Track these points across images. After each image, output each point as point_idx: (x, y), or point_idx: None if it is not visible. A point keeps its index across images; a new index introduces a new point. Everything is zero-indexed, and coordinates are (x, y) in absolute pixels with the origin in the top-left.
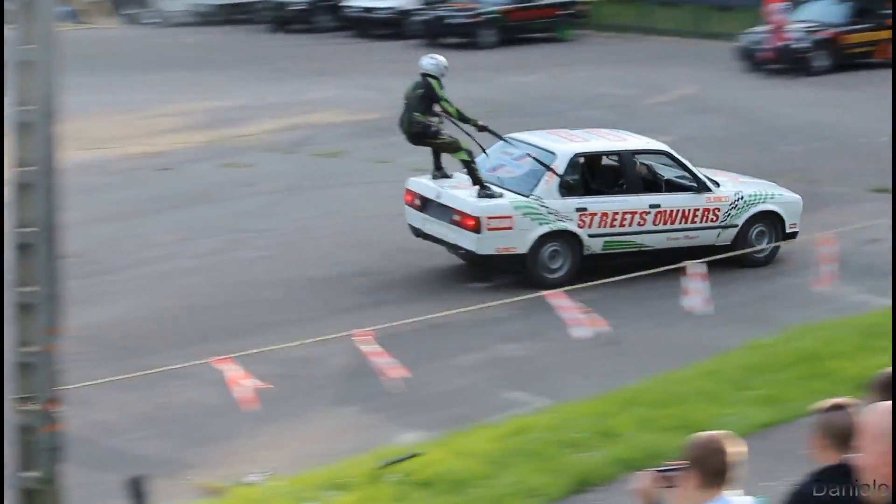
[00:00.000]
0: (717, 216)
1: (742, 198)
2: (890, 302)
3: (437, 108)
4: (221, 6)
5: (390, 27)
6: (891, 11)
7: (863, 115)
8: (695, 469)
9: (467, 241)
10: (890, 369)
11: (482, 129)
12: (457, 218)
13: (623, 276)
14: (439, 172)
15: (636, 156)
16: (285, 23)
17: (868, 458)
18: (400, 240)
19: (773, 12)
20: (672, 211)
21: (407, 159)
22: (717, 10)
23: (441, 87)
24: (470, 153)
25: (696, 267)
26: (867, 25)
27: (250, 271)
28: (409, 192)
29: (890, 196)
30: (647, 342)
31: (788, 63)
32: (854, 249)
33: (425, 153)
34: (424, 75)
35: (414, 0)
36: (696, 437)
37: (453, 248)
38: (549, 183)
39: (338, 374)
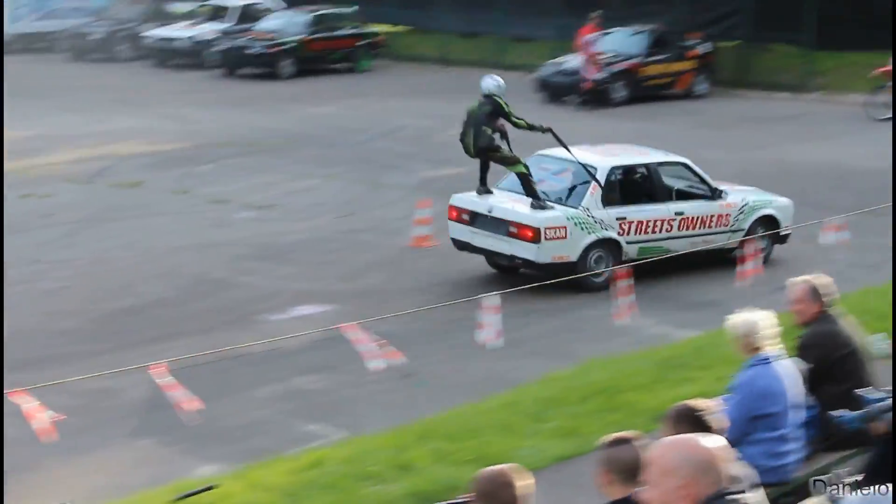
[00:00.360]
0: (729, 221)
1: (747, 203)
2: (689, 333)
3: (499, 125)
4: (20, 35)
5: (190, 57)
6: (691, 44)
7: (663, 146)
8: (485, 501)
9: (525, 251)
10: (685, 402)
11: (547, 130)
12: (514, 230)
13: (420, 308)
14: (483, 188)
15: (661, 167)
16: (85, 52)
17: (656, 493)
18: (198, 271)
19: (586, 43)
20: (693, 217)
21: (206, 190)
22: (516, 41)
23: (507, 104)
24: (527, 166)
25: (490, 299)
26: (665, 57)
27: (49, 302)
28: (454, 208)
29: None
30: (445, 375)
31: (588, 94)
32: (654, 281)
33: (224, 184)
34: (488, 96)
35: (213, 30)
36: (483, 472)
37: (508, 258)
38: (594, 194)
39: (136, 406)
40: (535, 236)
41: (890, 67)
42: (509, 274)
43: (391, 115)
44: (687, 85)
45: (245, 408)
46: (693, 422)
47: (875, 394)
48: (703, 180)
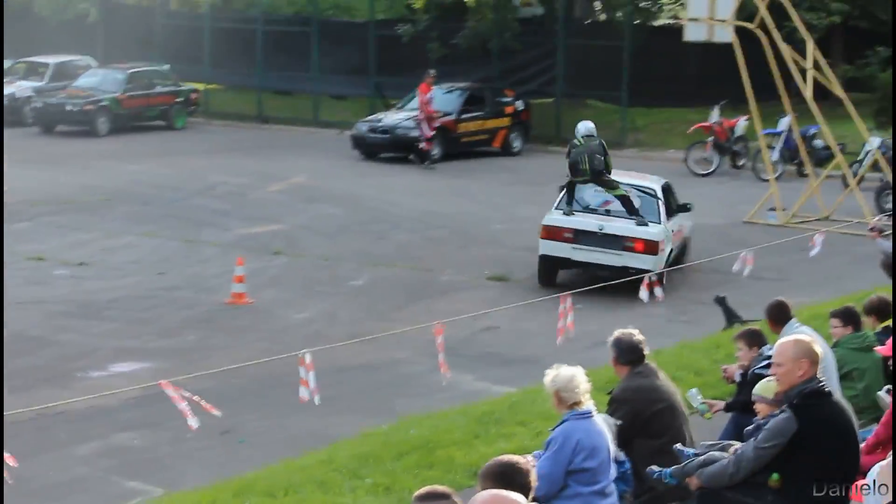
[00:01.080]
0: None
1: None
2: (506, 389)
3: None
4: None
5: (6, 115)
6: (507, 101)
7: (478, 203)
8: None
9: (642, 262)
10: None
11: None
12: (630, 244)
13: (238, 365)
14: (569, 209)
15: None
16: None
17: None
18: (16, 329)
19: (425, 101)
20: (677, 230)
21: (22, 247)
22: (332, 99)
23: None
24: (627, 190)
25: (308, 356)
26: (480, 114)
27: None
28: (551, 227)
29: (506, 283)
30: (263, 431)
31: (402, 151)
32: (471, 337)
33: (41, 242)
34: (589, 136)
35: (29, 87)
36: None
37: (618, 269)
38: (662, 211)
39: None
40: (654, 248)
41: (708, 123)
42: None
43: (207, 173)
44: (502, 141)
45: (65, 465)
46: (503, 478)
47: (691, 448)
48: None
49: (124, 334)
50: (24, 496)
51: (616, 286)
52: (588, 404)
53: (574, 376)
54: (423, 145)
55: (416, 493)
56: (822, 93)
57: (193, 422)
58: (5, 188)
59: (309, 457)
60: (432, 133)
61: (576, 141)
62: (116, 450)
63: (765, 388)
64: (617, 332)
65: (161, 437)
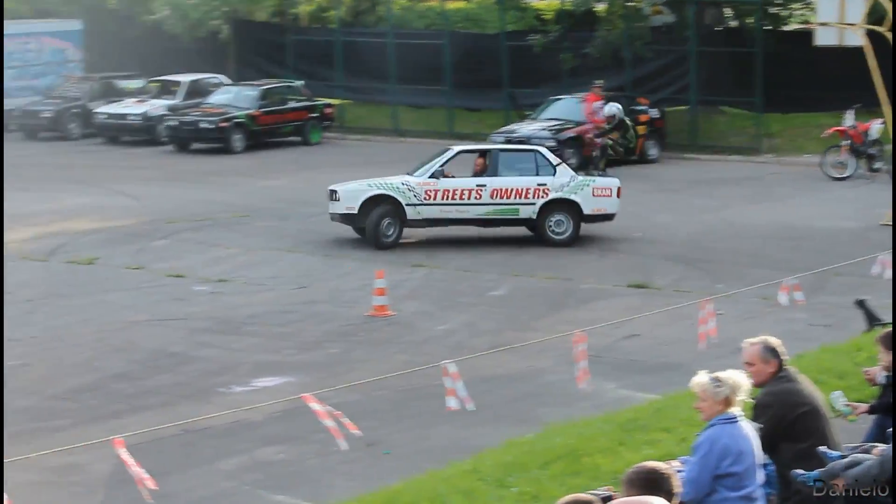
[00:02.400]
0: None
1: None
2: (649, 396)
3: None
4: None
5: (141, 133)
6: (642, 109)
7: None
8: None
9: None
10: (641, 465)
11: None
12: None
13: (381, 377)
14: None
15: None
16: (36, 131)
17: None
18: (157, 346)
19: (593, 112)
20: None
21: (161, 265)
22: (466, 111)
23: None
24: None
25: (452, 366)
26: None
27: (7, 380)
28: None
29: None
30: (407, 443)
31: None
32: (612, 345)
33: (179, 259)
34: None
35: (163, 106)
36: None
37: None
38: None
39: (100, 481)
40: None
41: (843, 127)
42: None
43: None
44: (639, 149)
45: (210, 480)
46: (648, 484)
47: (836, 451)
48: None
49: (265, 349)
50: None
51: (756, 291)
52: (734, 409)
53: (724, 380)
54: (593, 153)
55: (559, 501)
56: None
57: (343, 444)
58: (140, 204)
59: (454, 467)
60: (600, 142)
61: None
62: (262, 464)
63: None
64: (760, 338)
65: (306, 450)
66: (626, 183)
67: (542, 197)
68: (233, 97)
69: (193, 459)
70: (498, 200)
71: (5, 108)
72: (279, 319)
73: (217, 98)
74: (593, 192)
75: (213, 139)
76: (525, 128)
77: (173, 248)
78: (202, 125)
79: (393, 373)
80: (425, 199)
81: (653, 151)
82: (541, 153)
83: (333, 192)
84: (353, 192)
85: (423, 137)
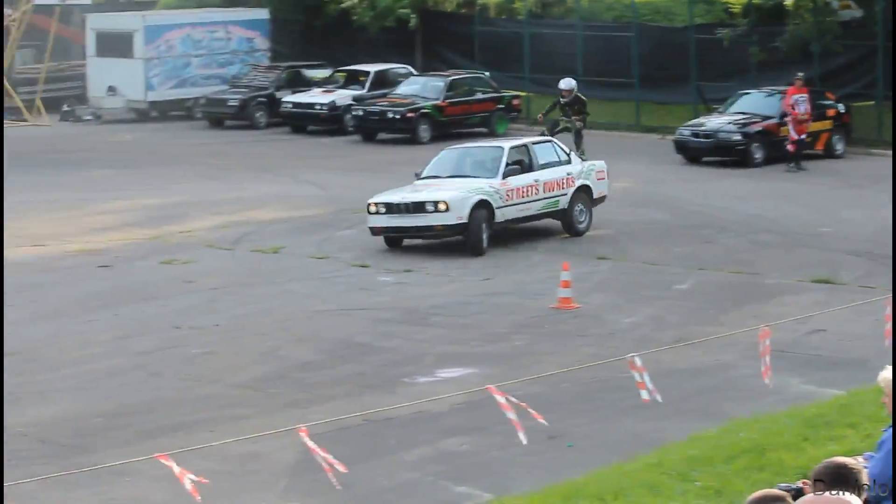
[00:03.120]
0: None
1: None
2: (834, 391)
3: None
4: (158, 103)
5: (326, 123)
6: (829, 104)
7: (802, 206)
8: None
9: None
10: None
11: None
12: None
13: (565, 369)
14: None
15: None
16: (221, 119)
17: None
18: (342, 335)
19: (793, 104)
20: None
21: (346, 254)
22: (653, 104)
23: None
24: None
25: (638, 360)
26: None
27: (192, 368)
28: None
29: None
30: (591, 436)
31: (727, 155)
32: (798, 340)
33: (364, 249)
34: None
35: (349, 96)
36: None
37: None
38: None
39: (282, 469)
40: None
41: None
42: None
43: None
44: (825, 144)
45: (394, 470)
46: (837, 479)
47: None
48: None
49: (450, 340)
50: (354, 500)
51: None
52: None
53: None
54: (788, 146)
55: (750, 497)
56: None
57: (523, 437)
58: (325, 193)
59: (638, 460)
60: (799, 137)
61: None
62: (445, 455)
63: None
64: None
65: (489, 442)
66: (811, 178)
67: (570, 186)
68: (419, 87)
69: (376, 450)
70: (548, 194)
71: (191, 96)
72: (464, 311)
73: (404, 88)
74: (596, 176)
75: (400, 129)
76: (713, 121)
77: (358, 237)
78: (389, 115)
79: (578, 365)
80: (506, 200)
81: (839, 147)
82: (555, 142)
83: (422, 204)
84: (460, 200)
85: (610, 130)
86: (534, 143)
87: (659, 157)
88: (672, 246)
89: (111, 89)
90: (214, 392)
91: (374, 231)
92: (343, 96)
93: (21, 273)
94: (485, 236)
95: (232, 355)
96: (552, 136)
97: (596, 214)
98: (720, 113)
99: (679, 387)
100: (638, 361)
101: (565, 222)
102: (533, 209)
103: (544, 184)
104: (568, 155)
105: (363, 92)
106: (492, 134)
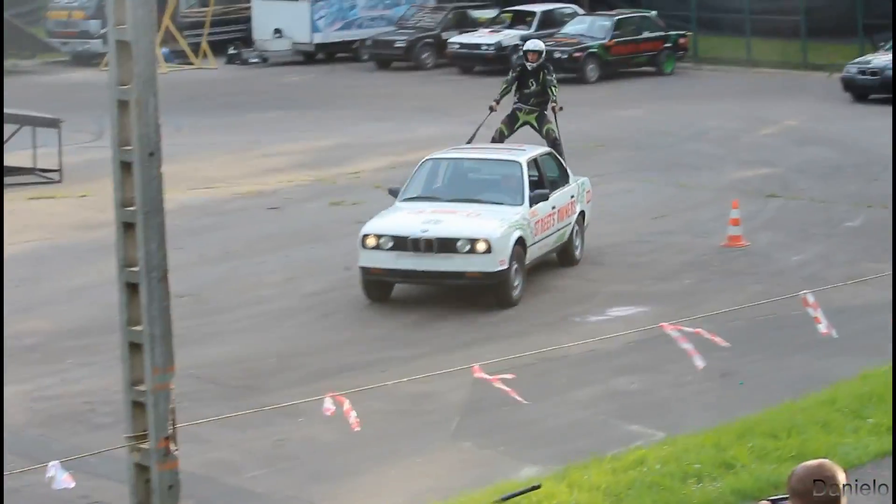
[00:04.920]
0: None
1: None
2: None
3: None
4: (323, 45)
5: (493, 63)
6: None
7: None
8: (800, 500)
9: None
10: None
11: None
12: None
13: (736, 307)
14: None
15: None
16: (388, 61)
17: None
18: None
19: None
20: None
21: None
22: (820, 42)
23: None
24: None
25: (811, 296)
26: None
27: (362, 309)
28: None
29: None
30: (762, 374)
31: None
32: None
33: None
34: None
35: (516, 36)
36: (799, 468)
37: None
38: None
39: (455, 409)
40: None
41: None
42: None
43: (698, 117)
44: None
45: (565, 409)
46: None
47: None
48: None
49: (621, 279)
50: (526, 439)
51: None
52: None
53: None
54: None
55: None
56: None
57: (699, 360)
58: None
59: (810, 398)
60: None
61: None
62: (616, 394)
63: None
64: None
65: (660, 380)
66: None
67: (573, 213)
68: (586, 27)
69: (549, 388)
70: (560, 224)
71: (360, 38)
72: (635, 249)
73: (571, 28)
74: (587, 197)
75: (567, 69)
76: (879, 58)
77: None
78: (556, 55)
79: (748, 303)
80: (535, 235)
81: None
82: (554, 154)
83: (453, 242)
84: (503, 237)
85: (776, 68)
86: (541, 156)
87: (826, 95)
88: (841, 183)
89: (277, 32)
90: (384, 332)
91: (370, 273)
92: (509, 36)
93: (191, 215)
94: (518, 287)
95: (399, 297)
96: (507, 137)
97: (757, 151)
98: (887, 51)
99: (850, 324)
100: (811, 298)
101: (564, 256)
102: (548, 246)
103: (559, 211)
104: (566, 170)
105: (530, 32)
106: (659, 73)
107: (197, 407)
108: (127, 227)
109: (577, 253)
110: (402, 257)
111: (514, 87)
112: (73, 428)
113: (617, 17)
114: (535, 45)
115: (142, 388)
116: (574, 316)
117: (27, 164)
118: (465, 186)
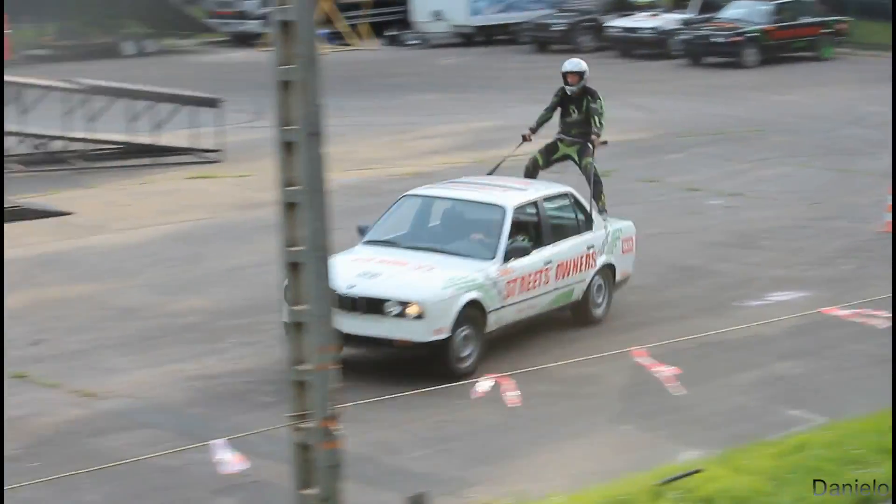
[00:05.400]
0: None
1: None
2: None
3: None
4: (482, 27)
5: (653, 47)
6: None
7: None
8: None
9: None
10: None
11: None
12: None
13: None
14: None
15: None
16: (546, 44)
17: None
18: (673, 258)
19: None
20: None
21: (676, 178)
22: None
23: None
24: None
25: None
26: None
27: None
28: None
29: None
30: None
31: None
32: None
33: (694, 172)
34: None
35: (675, 20)
36: None
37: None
38: None
39: (615, 391)
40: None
41: None
42: None
43: (857, 103)
44: None
45: (726, 394)
46: None
47: None
48: None
49: (780, 263)
50: (687, 423)
51: None
52: None
53: None
54: None
55: None
56: None
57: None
58: (653, 117)
59: None
60: None
61: None
62: (776, 378)
63: None
64: None
65: (822, 365)
66: None
67: (591, 267)
68: (746, 12)
69: (709, 372)
70: (561, 282)
71: (517, 21)
72: (793, 234)
73: (730, 12)
74: (623, 246)
75: (726, 53)
76: None
77: (687, 161)
78: (715, 39)
79: None
80: (506, 297)
81: None
82: (573, 195)
83: (379, 302)
84: (443, 302)
85: None
86: (546, 199)
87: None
88: None
89: (436, 14)
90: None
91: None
92: (668, 20)
93: (348, 196)
94: (469, 357)
95: None
96: (542, 169)
97: None
98: None
99: None
100: None
101: (577, 313)
102: (538, 307)
103: (558, 267)
104: (589, 214)
105: (689, 16)
106: (817, 59)
107: (358, 387)
108: (290, 206)
109: (599, 312)
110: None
111: (554, 115)
112: (234, 407)
113: (777, 2)
114: (574, 65)
115: (304, 367)
116: (733, 300)
117: (187, 144)
118: (434, 232)
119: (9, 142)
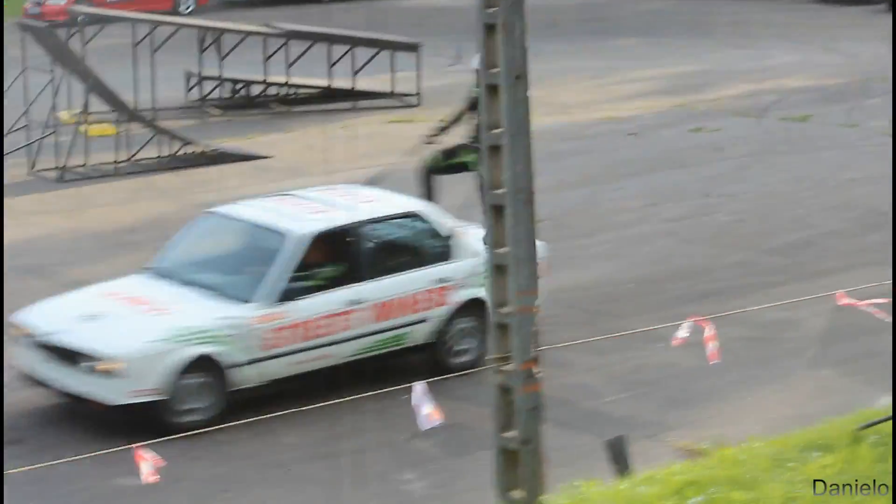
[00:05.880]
0: None
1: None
2: None
3: None
4: None
5: None
6: None
7: None
8: None
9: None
10: None
11: None
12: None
13: None
14: None
15: None
16: None
17: None
18: (870, 204)
19: None
20: None
21: (875, 123)
22: None
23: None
24: None
25: None
26: None
27: (721, 235)
28: None
29: None
30: None
31: None
32: None
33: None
34: None
35: None
36: None
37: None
38: None
39: (813, 336)
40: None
41: None
42: None
43: None
44: None
45: None
46: None
47: None
48: None
49: None
50: (889, 367)
51: None
52: None
53: None
54: None
55: None
56: None
57: None
58: (853, 62)
59: None
60: None
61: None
62: None
63: None
64: None
65: None
66: None
67: (441, 304)
68: None
69: None
70: (384, 324)
71: None
72: None
73: None
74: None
75: None
76: None
77: (886, 107)
78: None
79: None
80: (267, 346)
81: None
82: (422, 216)
83: (73, 354)
84: (149, 358)
85: None
86: (374, 222)
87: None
88: None
89: None
90: (744, 259)
91: (22, 371)
92: None
93: (550, 140)
94: (204, 409)
95: (760, 223)
96: (428, 181)
97: None
98: None
99: None
100: None
101: (432, 356)
102: (337, 355)
103: (374, 306)
104: (448, 238)
105: None
106: None
107: (557, 331)
108: (493, 149)
109: (463, 358)
110: (39, 360)
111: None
112: None
113: None
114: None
115: (506, 310)
116: None
117: (386, 88)
118: (213, 263)
119: (207, 86)
